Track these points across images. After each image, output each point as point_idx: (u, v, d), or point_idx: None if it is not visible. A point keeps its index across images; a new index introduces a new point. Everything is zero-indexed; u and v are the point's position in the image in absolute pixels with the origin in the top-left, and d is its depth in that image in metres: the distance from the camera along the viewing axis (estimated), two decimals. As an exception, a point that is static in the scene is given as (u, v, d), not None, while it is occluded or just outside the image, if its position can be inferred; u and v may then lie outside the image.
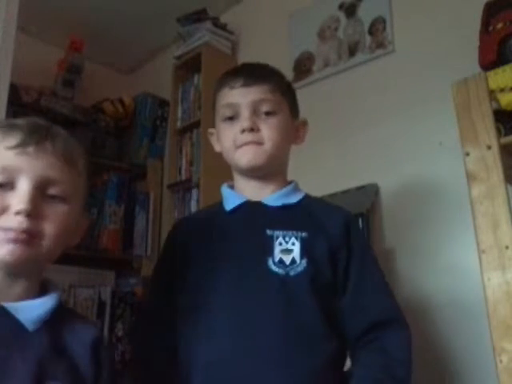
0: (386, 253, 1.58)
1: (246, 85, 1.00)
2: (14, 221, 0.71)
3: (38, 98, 2.18)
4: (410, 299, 1.48)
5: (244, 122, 0.99)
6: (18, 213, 0.71)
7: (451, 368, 1.41)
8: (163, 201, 2.36)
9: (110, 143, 2.43)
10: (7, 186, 0.73)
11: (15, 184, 0.73)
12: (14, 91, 1.93)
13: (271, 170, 1.03)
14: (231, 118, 1.01)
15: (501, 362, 0.93)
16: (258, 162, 0.99)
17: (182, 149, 2.25)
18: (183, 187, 2.20)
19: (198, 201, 2.09)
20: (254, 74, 1.02)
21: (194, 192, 2.13)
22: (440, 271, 1.47)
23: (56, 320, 0.76)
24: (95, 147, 2.35)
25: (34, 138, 0.75)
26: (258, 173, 1.02)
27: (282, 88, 1.03)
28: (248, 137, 0.98)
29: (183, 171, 2.22)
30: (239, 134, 0.99)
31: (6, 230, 0.71)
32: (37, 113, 2.07)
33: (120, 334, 2.08)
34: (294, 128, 1.07)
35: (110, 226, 2.27)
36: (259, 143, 0.99)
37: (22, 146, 0.74)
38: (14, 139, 0.74)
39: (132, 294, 2.18)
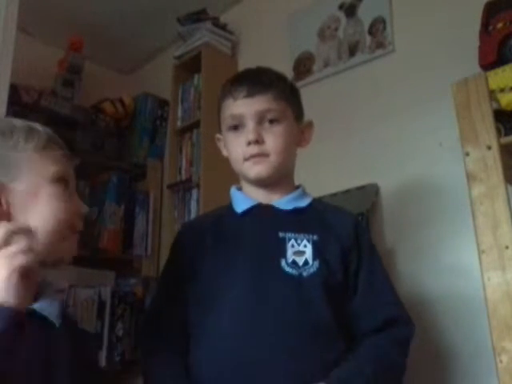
0: (386, 253, 1.58)
1: (249, 95, 1.01)
2: (81, 223, 0.86)
3: (38, 98, 2.17)
4: (410, 299, 1.48)
5: (249, 134, 1.00)
6: (82, 217, 0.86)
7: (451, 368, 1.41)
8: (163, 201, 2.36)
9: (109, 143, 2.42)
10: (65, 185, 0.84)
11: (70, 188, 0.85)
12: (14, 91, 1.93)
13: (279, 177, 1.04)
14: (236, 128, 1.03)
15: (501, 361, 0.93)
16: (266, 174, 1.01)
17: (182, 149, 2.25)
18: (183, 187, 2.20)
19: (197, 201, 2.09)
20: (257, 82, 1.02)
21: (194, 192, 2.13)
22: (440, 271, 1.47)
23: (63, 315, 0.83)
24: (95, 147, 2.35)
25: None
26: (266, 182, 1.04)
27: (285, 94, 1.04)
28: (254, 149, 1.00)
29: (183, 171, 2.22)
30: (245, 146, 1.00)
31: (74, 230, 0.84)
32: (37, 113, 2.07)
33: (120, 333, 2.08)
34: (299, 131, 1.07)
35: (110, 226, 2.27)
36: (265, 155, 1.00)
37: (67, 157, 0.86)
38: (59, 149, 0.85)
39: (132, 294, 2.18)
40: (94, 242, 2.23)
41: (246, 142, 1.00)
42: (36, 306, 0.78)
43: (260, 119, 1.00)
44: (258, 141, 0.99)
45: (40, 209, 0.80)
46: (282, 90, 1.03)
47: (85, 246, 2.21)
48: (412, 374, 1.30)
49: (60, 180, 0.83)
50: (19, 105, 2.02)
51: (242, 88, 1.01)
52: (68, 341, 0.81)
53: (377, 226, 1.62)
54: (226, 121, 1.04)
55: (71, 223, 0.84)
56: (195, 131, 2.20)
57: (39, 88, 2.21)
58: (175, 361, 0.96)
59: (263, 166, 1.00)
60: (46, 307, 0.79)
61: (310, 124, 1.11)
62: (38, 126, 0.85)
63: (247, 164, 1.01)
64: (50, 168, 0.82)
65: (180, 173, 2.23)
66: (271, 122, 1.01)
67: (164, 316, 1.03)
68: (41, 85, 2.25)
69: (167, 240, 2.10)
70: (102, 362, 2.01)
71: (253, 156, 1.00)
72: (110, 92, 2.52)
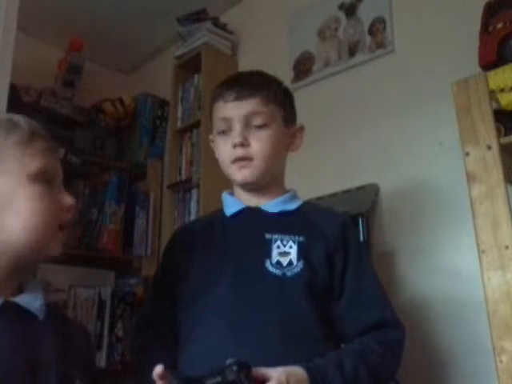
0: (386, 253, 1.58)
1: (238, 98, 1.02)
2: (68, 215, 0.82)
3: (38, 98, 2.18)
4: (410, 299, 1.48)
5: (235, 137, 1.01)
6: (70, 210, 0.82)
7: (451, 367, 1.41)
8: (163, 201, 2.36)
9: (110, 143, 2.43)
10: (47, 183, 0.81)
11: (54, 184, 0.82)
12: (14, 91, 1.93)
13: (267, 181, 1.05)
14: (225, 132, 1.04)
15: (501, 361, 0.93)
16: (251, 179, 1.02)
17: (182, 149, 2.25)
18: (183, 187, 2.20)
19: (198, 201, 2.09)
20: (247, 86, 1.03)
21: (194, 192, 2.13)
22: (440, 271, 1.47)
23: (51, 311, 0.82)
24: (95, 147, 2.36)
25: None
26: (252, 186, 1.05)
27: (275, 98, 1.04)
28: (239, 151, 1.01)
29: (183, 171, 2.22)
30: (231, 148, 1.01)
31: (62, 226, 0.81)
32: (37, 113, 2.06)
33: (120, 333, 2.08)
34: (289, 135, 1.07)
35: (110, 226, 2.27)
36: (250, 159, 1.01)
37: (52, 151, 0.83)
38: (44, 143, 0.82)
39: (132, 294, 2.18)
40: (93, 242, 2.23)
41: (232, 145, 1.01)
42: (17, 299, 0.78)
43: (247, 122, 1.01)
44: (244, 144, 1.00)
45: (19, 209, 0.77)
46: (272, 93, 1.03)
47: (85, 245, 2.21)
48: (412, 374, 1.31)
49: (41, 176, 0.79)
50: (19, 105, 2.02)
51: (232, 91, 1.02)
52: (53, 334, 0.80)
53: (377, 226, 1.62)
54: (216, 123, 1.06)
55: (56, 220, 0.81)
56: (195, 131, 2.20)
57: (39, 88, 2.22)
58: (166, 358, 0.96)
59: (248, 170, 1.01)
60: (28, 301, 0.79)
61: (301, 129, 1.10)
62: (21, 119, 0.82)
63: (233, 167, 1.02)
64: (31, 165, 0.79)
65: (180, 173, 2.23)
66: (259, 127, 1.01)
67: (155, 317, 1.05)
68: (41, 85, 2.25)
69: (167, 240, 2.09)
70: (102, 362, 2.01)
71: (238, 159, 1.01)
72: (109, 92, 2.52)
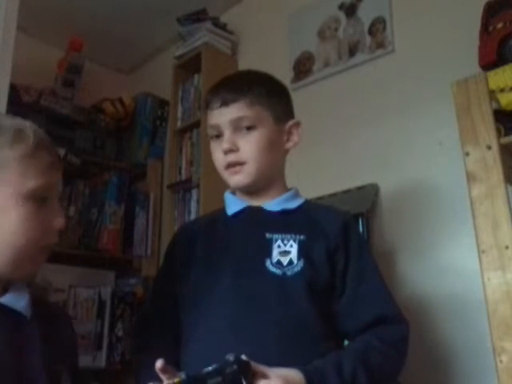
0: (386, 253, 1.58)
1: (223, 104, 1.02)
2: (55, 237, 0.80)
3: (38, 97, 2.17)
4: (410, 299, 1.48)
5: (224, 143, 1.01)
6: (58, 232, 0.80)
7: (451, 368, 1.41)
8: (163, 201, 2.36)
9: (110, 143, 2.43)
10: (42, 201, 0.79)
11: (49, 200, 0.80)
12: (14, 91, 1.93)
13: (263, 182, 1.05)
14: (217, 137, 1.04)
15: (501, 361, 0.93)
16: (244, 183, 1.03)
17: (182, 149, 2.25)
18: (183, 187, 2.20)
19: (198, 201, 2.09)
20: (230, 90, 1.03)
21: (194, 192, 2.13)
22: (440, 271, 1.47)
23: (36, 308, 0.82)
24: (95, 147, 2.36)
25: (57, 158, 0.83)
26: (249, 189, 1.05)
27: (260, 98, 1.03)
28: (230, 157, 1.01)
29: (183, 171, 2.22)
30: (223, 155, 1.02)
31: (46, 247, 0.79)
32: (37, 113, 2.06)
33: (120, 333, 2.08)
34: (284, 133, 1.06)
35: (110, 226, 2.27)
36: (241, 163, 1.01)
37: (54, 166, 0.81)
38: (48, 156, 0.80)
39: (132, 294, 2.18)
40: (93, 242, 2.23)
41: (222, 151, 1.02)
42: (1, 299, 0.78)
43: (235, 127, 1.01)
44: (233, 149, 1.01)
45: (8, 225, 0.76)
46: (256, 94, 1.03)
47: (85, 246, 2.21)
48: (412, 373, 1.31)
49: (38, 195, 0.78)
50: (19, 105, 2.02)
51: (217, 98, 1.03)
52: (40, 332, 0.80)
53: (377, 226, 1.62)
54: (208, 130, 1.07)
55: (41, 241, 0.79)
56: (195, 131, 2.20)
57: (39, 88, 2.22)
58: (165, 356, 0.96)
59: (241, 175, 1.02)
60: (12, 300, 0.78)
61: (297, 124, 1.08)
62: (28, 128, 0.79)
63: (226, 173, 1.03)
64: (29, 182, 0.77)
65: (180, 173, 2.24)
66: (247, 129, 1.01)
67: (156, 316, 1.05)
68: (41, 85, 2.25)
69: (167, 240, 2.09)
70: (102, 362, 2.01)
71: (230, 165, 1.02)
72: (109, 92, 2.52)
